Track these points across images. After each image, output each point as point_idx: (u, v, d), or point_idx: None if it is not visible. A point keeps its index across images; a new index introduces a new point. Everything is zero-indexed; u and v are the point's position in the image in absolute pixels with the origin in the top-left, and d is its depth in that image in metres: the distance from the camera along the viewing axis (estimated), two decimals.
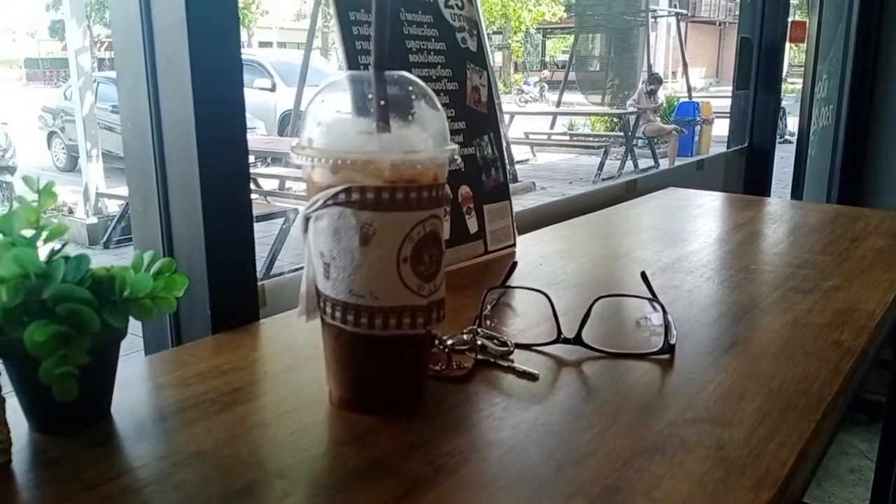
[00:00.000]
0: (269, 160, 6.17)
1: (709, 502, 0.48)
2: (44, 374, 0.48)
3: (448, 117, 0.91)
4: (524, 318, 0.81)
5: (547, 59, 26.10)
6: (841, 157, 2.80)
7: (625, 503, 0.48)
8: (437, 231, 0.57)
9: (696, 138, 9.86)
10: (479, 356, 0.69)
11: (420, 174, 0.55)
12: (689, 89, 12.55)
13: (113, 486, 0.49)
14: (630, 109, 9.68)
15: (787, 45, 2.57)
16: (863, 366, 0.74)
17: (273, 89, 9.54)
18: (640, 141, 9.50)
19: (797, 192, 2.93)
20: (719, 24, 25.82)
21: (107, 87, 7.65)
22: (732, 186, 2.24)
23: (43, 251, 0.53)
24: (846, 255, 1.09)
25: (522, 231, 1.15)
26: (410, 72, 0.59)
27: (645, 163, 9.02)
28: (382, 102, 0.56)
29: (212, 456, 0.52)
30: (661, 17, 15.01)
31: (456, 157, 0.61)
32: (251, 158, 5.52)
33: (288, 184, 5.30)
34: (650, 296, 0.76)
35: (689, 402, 0.61)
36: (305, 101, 0.61)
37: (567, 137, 10.94)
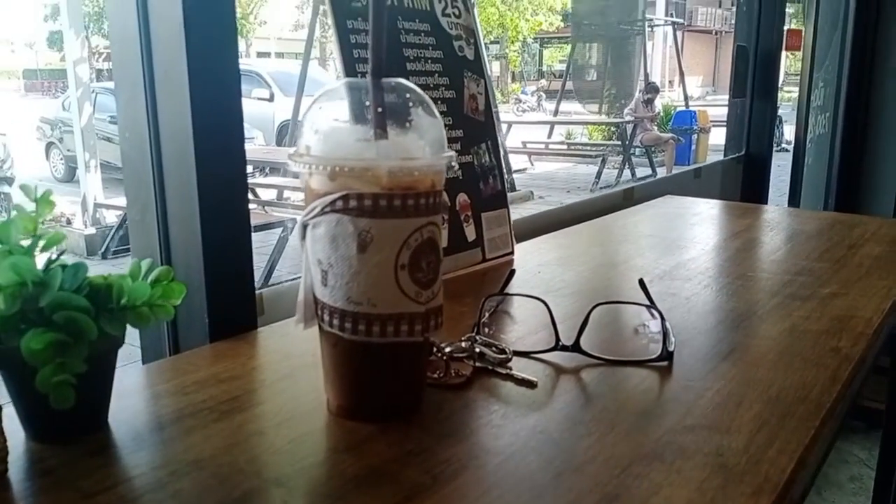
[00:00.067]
0: (267, 170, 6.18)
1: None
2: (41, 382, 0.48)
3: (446, 125, 0.91)
4: (522, 326, 0.81)
5: (544, 68, 26.21)
6: (838, 164, 2.81)
7: None
8: (435, 238, 0.57)
9: (694, 147, 9.89)
10: (478, 364, 0.68)
11: (417, 181, 0.55)
12: (686, 98, 12.59)
13: (110, 495, 0.48)
14: (627, 118, 9.71)
15: (784, 53, 2.58)
16: (861, 372, 0.73)
17: (271, 99, 9.56)
18: (637, 150, 9.53)
19: (794, 199, 2.93)
20: (715, 34, 25.94)
21: (105, 97, 7.66)
22: (729, 194, 2.25)
23: (40, 260, 0.53)
24: (843, 262, 1.09)
25: (520, 239, 1.15)
26: (408, 80, 0.59)
27: (642, 172, 9.03)
28: (380, 109, 0.56)
29: (210, 464, 0.52)
30: (658, 26, 15.07)
31: (453, 164, 0.61)
32: (249, 168, 5.55)
33: (286, 194, 5.31)
34: (648, 303, 0.76)
35: (688, 409, 0.61)
36: (303, 111, 0.62)
37: (565, 146, 10.97)
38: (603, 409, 0.62)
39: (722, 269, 1.09)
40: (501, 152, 1.14)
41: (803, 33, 2.82)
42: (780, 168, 3.25)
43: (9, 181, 6.15)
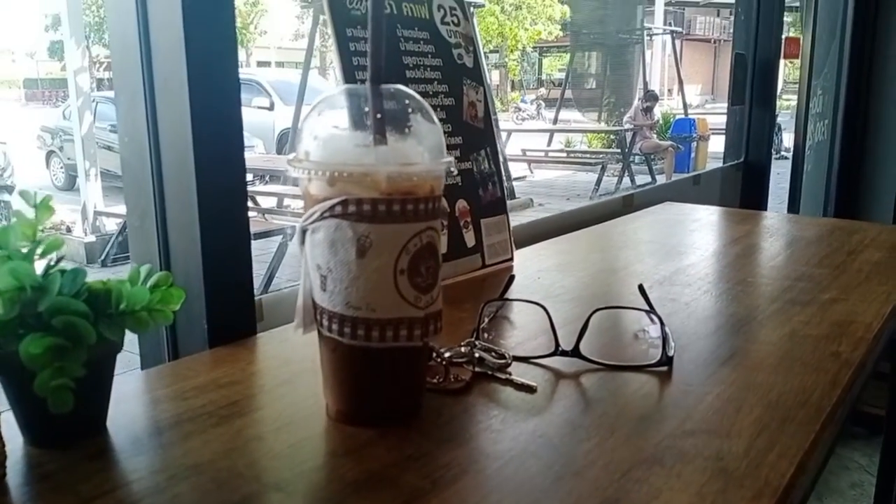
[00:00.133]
0: (267, 178, 6.19)
1: None
2: (39, 386, 0.48)
3: (445, 132, 0.91)
4: (522, 331, 0.81)
5: (543, 77, 26.27)
6: (837, 171, 2.81)
7: None
8: (434, 243, 0.57)
9: (693, 155, 9.90)
10: (477, 369, 0.68)
11: (416, 186, 0.55)
12: (685, 106, 12.62)
13: (109, 499, 0.48)
14: (626, 126, 9.73)
15: (782, 61, 2.59)
16: (861, 377, 0.73)
17: (271, 108, 9.60)
18: (636, 157, 9.54)
19: (794, 206, 2.94)
20: (714, 42, 26.02)
21: (105, 106, 7.69)
22: (729, 201, 2.25)
23: (40, 266, 0.53)
24: (843, 267, 1.09)
25: (520, 245, 1.16)
26: (407, 87, 0.60)
27: (642, 179, 9.04)
28: (379, 115, 0.56)
29: (208, 469, 0.52)
30: (657, 35, 15.12)
31: (452, 169, 0.61)
32: (249, 176, 5.56)
33: (286, 201, 5.32)
34: (648, 308, 0.76)
35: (688, 413, 0.61)
36: (303, 117, 0.62)
37: (564, 154, 10.98)
38: (603, 414, 0.62)
39: (721, 274, 1.09)
40: (501, 159, 1.14)
41: (801, 41, 2.83)
42: (780, 176, 3.25)
43: (9, 189, 6.16)
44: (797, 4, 3.64)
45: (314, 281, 0.57)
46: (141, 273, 0.57)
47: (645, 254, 1.23)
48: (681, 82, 13.24)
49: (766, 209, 2.44)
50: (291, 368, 0.71)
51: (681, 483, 0.51)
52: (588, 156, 10.48)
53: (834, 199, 2.83)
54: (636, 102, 10.25)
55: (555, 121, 13.00)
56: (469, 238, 1.04)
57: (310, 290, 0.58)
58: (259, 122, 8.97)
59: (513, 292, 0.90)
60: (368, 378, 0.58)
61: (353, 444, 0.56)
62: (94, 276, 0.55)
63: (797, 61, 2.89)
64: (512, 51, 20.95)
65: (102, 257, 5.53)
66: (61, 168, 9.11)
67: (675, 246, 1.27)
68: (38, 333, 0.49)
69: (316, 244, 0.56)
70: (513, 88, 24.06)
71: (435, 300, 0.57)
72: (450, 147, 1.02)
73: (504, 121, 14.57)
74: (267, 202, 5.51)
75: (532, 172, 10.12)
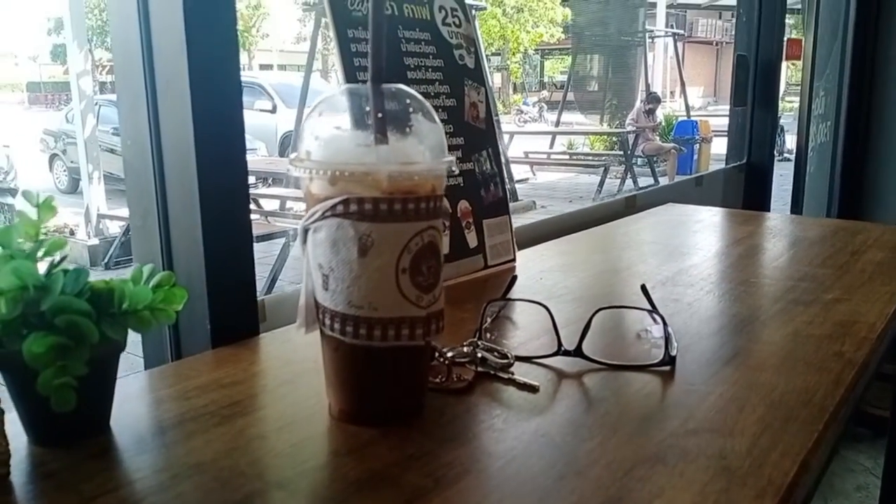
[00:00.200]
0: (269, 181, 6.20)
1: None
2: (42, 385, 0.48)
3: (446, 133, 0.92)
4: (524, 331, 0.81)
5: (545, 79, 26.29)
6: (840, 172, 2.81)
7: None
8: (436, 242, 0.57)
9: (696, 156, 9.90)
10: (480, 368, 0.68)
11: (418, 185, 0.55)
12: (688, 108, 12.61)
13: (112, 498, 0.48)
14: (629, 128, 9.73)
15: (784, 62, 2.59)
16: (864, 377, 0.73)
17: (274, 111, 9.61)
18: (639, 160, 9.54)
19: (796, 208, 2.93)
20: (716, 44, 26.02)
21: (108, 109, 7.71)
22: (731, 203, 2.25)
23: (43, 266, 0.53)
24: (846, 268, 1.09)
25: (522, 246, 1.16)
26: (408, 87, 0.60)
27: (644, 181, 9.04)
28: (380, 115, 0.56)
29: (211, 468, 0.52)
30: (659, 37, 15.12)
31: (454, 168, 0.61)
32: (252, 179, 5.57)
33: (289, 204, 5.32)
34: (650, 308, 0.76)
35: (691, 412, 0.61)
36: (304, 117, 0.62)
37: (566, 157, 10.99)
38: (605, 413, 0.62)
39: (724, 275, 1.09)
40: (503, 159, 1.15)
41: (803, 43, 2.83)
42: (783, 178, 3.25)
43: (12, 192, 6.17)
44: (799, 7, 3.64)
45: (316, 280, 0.57)
46: (144, 272, 0.57)
47: (647, 254, 1.23)
48: (683, 84, 13.24)
49: (768, 210, 2.43)
50: (294, 368, 0.71)
51: (683, 482, 0.50)
52: (590, 158, 10.48)
53: (837, 200, 2.83)
54: (638, 104, 10.25)
55: (557, 123, 13.00)
56: (471, 239, 1.04)
57: (312, 289, 0.58)
58: (261, 124, 8.99)
59: (515, 293, 0.90)
60: (371, 377, 0.58)
61: (356, 443, 0.56)
62: (97, 278, 0.55)
63: (799, 63, 2.89)
64: (514, 53, 20.97)
65: (105, 260, 5.54)
66: (64, 171, 9.14)
67: (677, 247, 1.27)
68: (41, 332, 0.49)
69: (318, 243, 0.56)
70: (515, 91, 24.07)
71: (437, 299, 0.57)
72: (451, 148, 1.02)
73: (506, 123, 14.58)
74: (269, 205, 5.51)
75: (534, 175, 10.12)
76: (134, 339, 0.59)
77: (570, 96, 13.44)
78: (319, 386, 0.61)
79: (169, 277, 0.58)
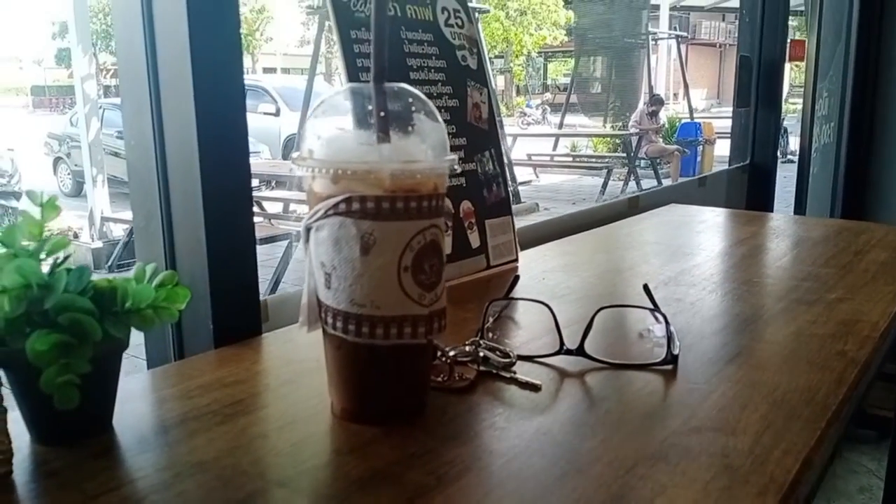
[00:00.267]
0: (273, 184, 6.21)
1: None
2: (45, 382, 0.48)
3: (449, 133, 0.92)
4: (526, 331, 0.81)
5: (549, 81, 26.30)
6: (843, 174, 2.80)
7: None
8: (438, 240, 0.57)
9: (699, 158, 9.88)
10: (482, 368, 0.68)
11: (420, 184, 0.56)
12: (691, 110, 12.60)
13: (114, 496, 0.49)
14: (632, 130, 9.72)
15: (787, 64, 2.59)
16: (867, 376, 0.73)
17: (277, 114, 9.63)
18: (642, 162, 9.53)
19: (800, 209, 2.93)
20: (719, 46, 26.01)
21: (112, 113, 7.72)
22: (734, 204, 2.24)
23: (46, 266, 0.54)
24: (850, 267, 1.09)
25: (525, 247, 1.16)
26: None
27: (648, 183, 9.03)
28: (382, 113, 0.57)
29: (213, 466, 0.52)
30: (662, 39, 15.11)
31: (455, 167, 0.61)
32: (255, 182, 5.57)
33: (292, 207, 5.33)
34: (652, 307, 0.76)
35: (693, 411, 0.61)
36: (308, 115, 0.62)
37: (570, 159, 10.98)
38: (607, 412, 0.62)
39: (727, 274, 1.09)
40: (505, 160, 1.15)
41: (807, 44, 2.83)
42: (786, 179, 3.24)
43: (17, 195, 6.19)
44: (802, 8, 3.64)
45: (318, 279, 0.57)
46: (146, 271, 0.57)
47: (650, 255, 1.23)
48: (686, 86, 13.22)
49: (772, 211, 2.43)
50: (296, 368, 0.71)
51: (686, 479, 0.50)
52: (593, 160, 10.47)
53: (840, 202, 2.82)
54: (641, 106, 10.24)
55: (560, 125, 12.99)
56: (474, 239, 1.04)
57: (314, 288, 0.58)
58: (265, 128, 9.00)
59: (517, 293, 0.90)
60: (373, 376, 0.58)
61: (358, 441, 0.56)
62: None
63: (802, 64, 2.89)
64: (517, 56, 20.99)
65: (109, 263, 5.55)
66: (68, 174, 9.16)
67: (680, 247, 1.27)
68: (45, 330, 0.49)
69: (320, 242, 0.56)
70: (518, 93, 24.08)
71: (439, 298, 0.57)
72: (454, 148, 1.02)
73: (509, 125, 14.58)
74: (273, 207, 5.52)
75: (538, 177, 10.12)
76: (137, 341, 0.59)
77: (574, 98, 13.44)
78: (321, 385, 0.62)
79: (172, 276, 0.58)
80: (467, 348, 0.70)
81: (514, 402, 0.63)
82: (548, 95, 22.69)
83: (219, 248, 0.78)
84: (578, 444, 0.56)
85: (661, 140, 9.86)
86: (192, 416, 0.60)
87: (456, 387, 0.65)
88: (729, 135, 2.52)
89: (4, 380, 0.52)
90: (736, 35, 2.83)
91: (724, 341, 0.80)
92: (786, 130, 8.39)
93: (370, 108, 0.57)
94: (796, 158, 3.16)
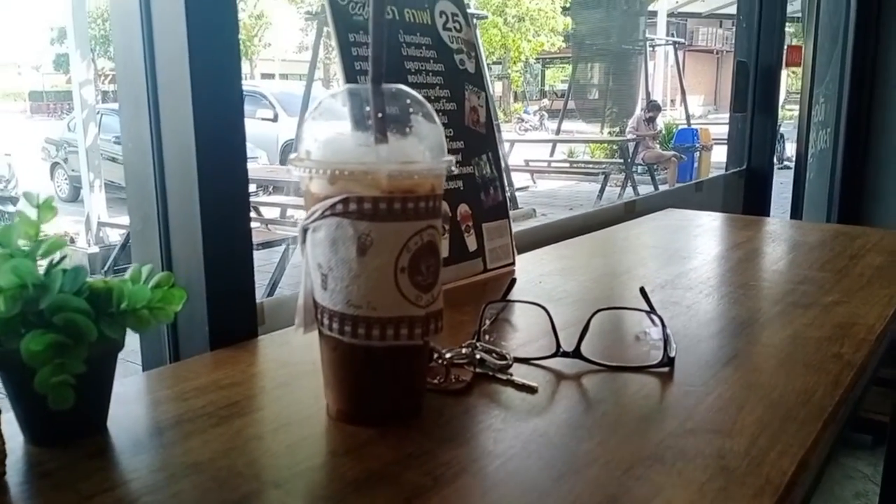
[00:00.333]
0: (270, 189, 6.21)
1: None
2: (39, 382, 0.48)
3: (447, 137, 0.92)
4: (523, 333, 0.80)
5: (546, 88, 26.35)
6: (840, 179, 2.81)
7: None
8: (435, 242, 0.57)
9: (696, 164, 9.91)
10: (478, 370, 0.68)
11: (417, 184, 0.56)
12: (688, 116, 12.63)
13: (108, 497, 0.48)
14: (629, 136, 9.75)
15: (784, 70, 2.60)
16: (863, 378, 0.73)
17: (275, 119, 9.64)
18: (639, 168, 9.55)
19: (796, 214, 2.93)
20: (716, 53, 26.10)
21: (110, 118, 7.73)
22: (731, 208, 2.25)
23: (42, 267, 0.53)
24: (846, 271, 1.09)
25: (522, 251, 1.16)
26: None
27: (645, 189, 9.04)
28: (380, 114, 0.57)
29: (208, 468, 0.52)
30: (659, 45, 15.17)
31: (453, 168, 0.61)
32: (253, 187, 5.57)
33: (289, 212, 5.33)
34: (649, 310, 0.76)
35: (689, 413, 0.61)
36: (305, 116, 0.63)
37: (567, 164, 11.00)
38: (604, 414, 0.62)
39: (724, 278, 1.09)
40: (502, 164, 1.15)
41: (803, 49, 2.84)
42: (783, 185, 3.24)
43: (13, 201, 6.19)
44: (799, 14, 3.65)
45: (315, 280, 0.57)
46: (142, 272, 0.57)
47: (647, 258, 1.23)
48: (683, 93, 13.27)
49: (768, 216, 2.43)
50: (292, 370, 0.71)
51: (682, 481, 0.50)
52: (591, 166, 10.49)
53: (837, 207, 2.83)
54: (638, 112, 10.27)
55: (557, 131, 13.03)
56: (471, 242, 1.04)
57: (311, 289, 0.58)
58: (263, 133, 9.02)
59: (514, 296, 0.90)
60: (369, 377, 0.58)
61: (354, 443, 0.56)
62: None
63: (799, 70, 2.90)
64: (515, 62, 21.04)
65: (105, 267, 5.54)
66: (66, 179, 9.16)
67: (677, 251, 1.27)
68: (40, 330, 0.49)
69: (317, 243, 0.56)
70: (516, 99, 24.14)
71: (436, 299, 0.57)
72: (451, 152, 1.02)
73: (507, 131, 14.60)
74: (270, 213, 5.52)
75: (535, 183, 10.14)
76: (132, 347, 0.59)
77: (571, 105, 13.49)
78: (317, 387, 0.61)
79: (168, 277, 0.58)
80: (464, 350, 0.70)
81: (510, 404, 0.63)
82: (545, 102, 22.73)
83: (215, 251, 0.78)
84: (575, 445, 0.56)
85: (658, 146, 9.88)
86: (187, 417, 0.60)
87: (452, 388, 0.65)
88: (726, 141, 2.52)
89: None
90: (733, 42, 2.84)
91: (721, 344, 0.80)
92: (782, 137, 8.41)
93: (368, 109, 0.57)
94: (792, 164, 3.16)
